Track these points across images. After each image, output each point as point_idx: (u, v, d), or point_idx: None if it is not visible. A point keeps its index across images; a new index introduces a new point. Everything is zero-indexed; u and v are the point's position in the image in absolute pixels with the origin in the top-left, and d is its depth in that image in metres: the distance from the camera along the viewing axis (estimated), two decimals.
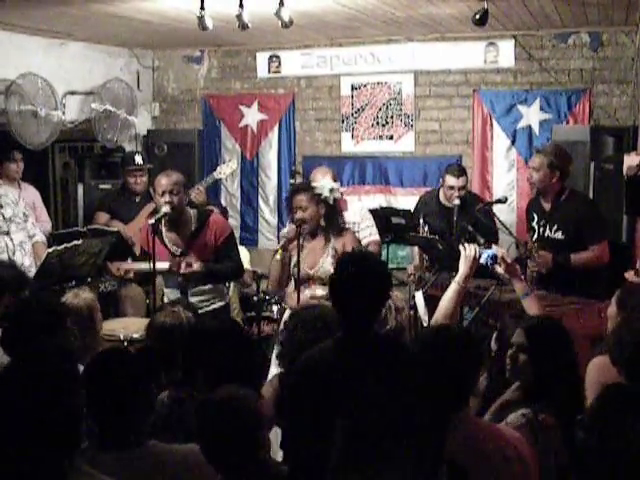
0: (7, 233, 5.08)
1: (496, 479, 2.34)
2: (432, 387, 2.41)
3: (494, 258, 3.49)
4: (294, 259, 4.47)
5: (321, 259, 4.50)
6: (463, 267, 3.46)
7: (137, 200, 6.20)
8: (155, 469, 2.18)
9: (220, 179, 6.87)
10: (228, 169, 6.43)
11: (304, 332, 3.13)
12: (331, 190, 4.62)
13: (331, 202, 4.62)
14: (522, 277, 3.59)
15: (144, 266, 4.61)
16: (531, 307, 3.46)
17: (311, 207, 4.47)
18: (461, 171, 5.62)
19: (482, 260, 3.49)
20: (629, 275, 3.80)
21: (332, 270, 4.36)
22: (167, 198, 4.49)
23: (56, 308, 3.35)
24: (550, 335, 2.80)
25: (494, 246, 3.68)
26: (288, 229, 4.48)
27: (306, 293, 4.45)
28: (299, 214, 4.45)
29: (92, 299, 3.82)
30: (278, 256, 4.46)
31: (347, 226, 4.77)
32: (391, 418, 2.42)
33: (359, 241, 4.79)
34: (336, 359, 2.67)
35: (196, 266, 4.51)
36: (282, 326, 3.67)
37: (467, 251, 3.49)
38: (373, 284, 2.78)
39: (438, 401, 2.40)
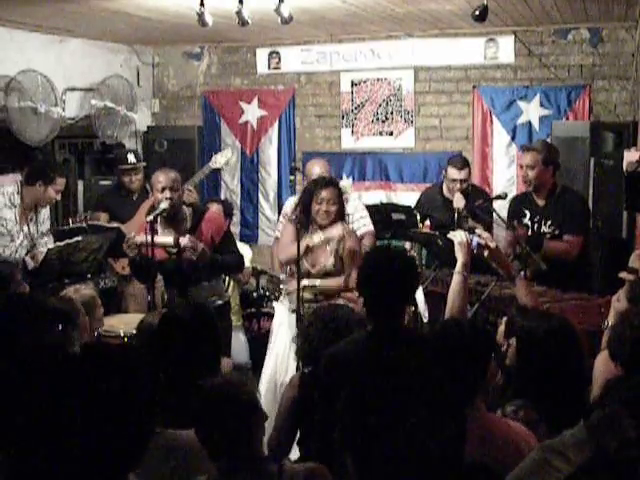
0: (34, 246, 5.18)
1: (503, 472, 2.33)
2: (445, 381, 2.41)
3: (479, 244, 3.47)
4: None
5: (322, 258, 4.55)
6: (460, 255, 3.42)
7: (134, 198, 6.15)
8: (168, 454, 2.23)
9: (217, 169, 6.79)
10: (223, 158, 6.38)
11: (317, 331, 3.16)
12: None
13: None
14: (506, 262, 3.58)
15: (163, 240, 4.44)
16: (519, 289, 3.45)
17: (339, 203, 4.58)
18: (464, 163, 5.68)
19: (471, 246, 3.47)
20: (623, 275, 3.79)
21: (331, 266, 4.50)
22: (168, 194, 4.48)
23: (70, 305, 3.29)
24: (545, 339, 2.74)
25: (477, 231, 3.65)
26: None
27: (304, 282, 4.49)
28: (325, 207, 4.51)
29: (91, 296, 3.81)
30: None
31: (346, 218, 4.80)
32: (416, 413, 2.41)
33: (354, 232, 4.78)
34: (367, 353, 2.74)
35: (200, 245, 4.46)
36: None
37: (459, 238, 3.47)
38: (402, 279, 2.84)
39: (452, 395, 2.39)
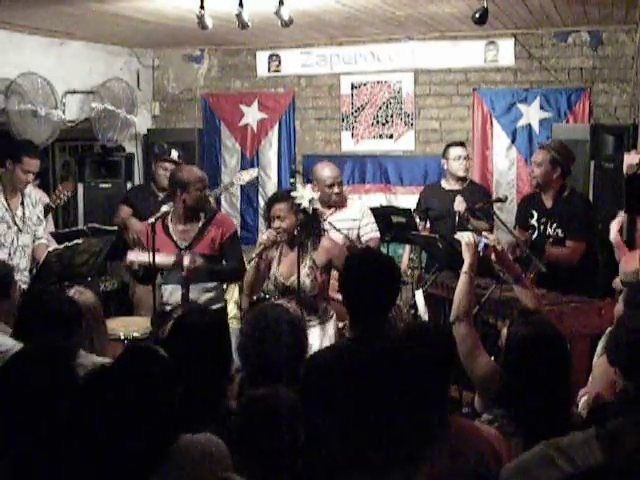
0: (19, 231, 5.09)
1: (470, 476, 2.31)
2: (415, 387, 2.38)
3: (486, 246, 3.47)
4: (273, 267, 4.46)
5: (295, 270, 4.35)
6: (467, 255, 3.41)
7: (159, 198, 6.02)
8: (177, 457, 2.23)
9: (240, 185, 6.81)
10: (247, 176, 6.36)
11: (248, 330, 3.13)
12: (311, 200, 4.42)
13: (310, 212, 4.43)
14: (513, 265, 3.57)
15: (163, 260, 4.46)
16: (523, 294, 3.44)
17: (290, 217, 4.37)
18: (461, 142, 6.05)
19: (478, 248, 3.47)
20: (616, 283, 3.78)
21: (308, 282, 4.32)
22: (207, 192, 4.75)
23: (75, 303, 3.32)
24: (528, 347, 2.67)
25: (484, 233, 3.65)
26: (267, 235, 4.39)
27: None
28: (277, 223, 4.39)
29: (96, 297, 3.82)
30: (253, 263, 4.40)
31: (325, 228, 4.66)
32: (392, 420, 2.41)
33: (335, 243, 4.62)
34: (345, 359, 2.69)
35: (199, 262, 4.48)
36: None
37: (466, 238, 3.46)
38: (383, 282, 2.80)
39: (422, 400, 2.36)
